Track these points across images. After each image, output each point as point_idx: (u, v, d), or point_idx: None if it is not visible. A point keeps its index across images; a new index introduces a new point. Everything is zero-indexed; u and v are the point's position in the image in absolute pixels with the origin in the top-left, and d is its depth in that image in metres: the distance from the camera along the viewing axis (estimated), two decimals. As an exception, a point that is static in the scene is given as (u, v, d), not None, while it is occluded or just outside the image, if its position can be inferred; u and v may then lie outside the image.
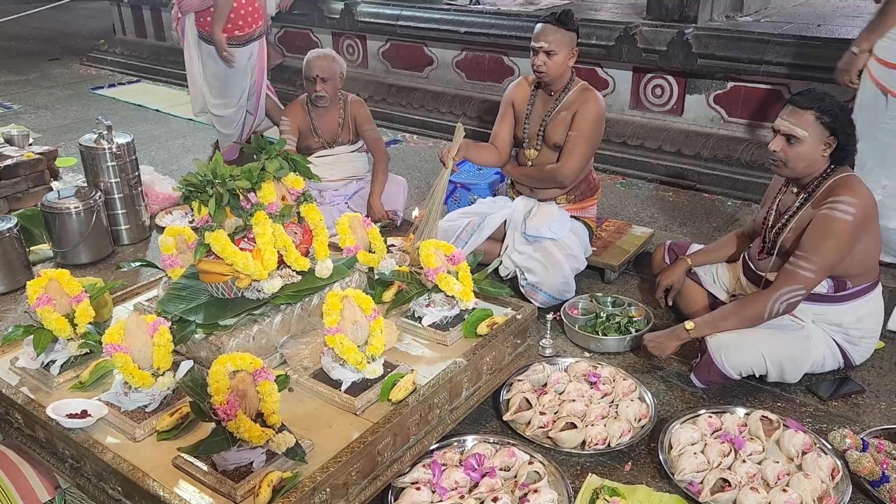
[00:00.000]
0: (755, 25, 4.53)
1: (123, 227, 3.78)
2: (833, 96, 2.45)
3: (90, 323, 2.23)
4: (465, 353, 2.31)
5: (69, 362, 2.22)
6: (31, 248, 3.59)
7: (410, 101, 5.73)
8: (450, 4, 5.68)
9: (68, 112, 6.45)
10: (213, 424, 1.82)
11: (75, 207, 3.45)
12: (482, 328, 2.41)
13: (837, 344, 2.60)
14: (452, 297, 2.45)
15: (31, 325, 2.23)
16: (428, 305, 2.47)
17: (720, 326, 2.55)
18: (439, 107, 5.56)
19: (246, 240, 2.22)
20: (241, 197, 2.20)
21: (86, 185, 3.70)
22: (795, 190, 2.61)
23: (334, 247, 2.62)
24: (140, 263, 2.62)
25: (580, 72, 4.80)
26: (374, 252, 2.66)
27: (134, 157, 3.74)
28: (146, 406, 2.04)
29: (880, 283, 2.66)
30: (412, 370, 2.19)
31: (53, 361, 2.21)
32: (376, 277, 2.64)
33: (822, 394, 2.57)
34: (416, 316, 2.48)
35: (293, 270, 2.31)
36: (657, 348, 2.64)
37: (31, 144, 4.41)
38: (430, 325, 2.43)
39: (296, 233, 2.36)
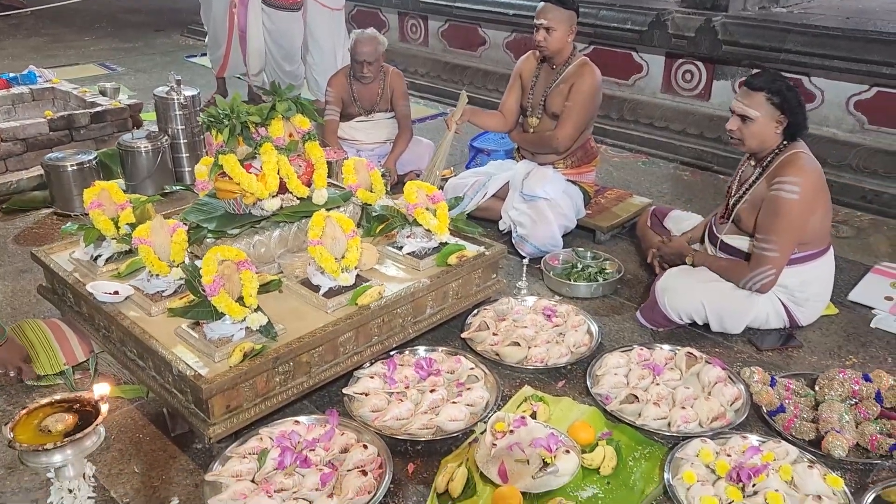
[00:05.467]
0: (782, 15, 4.66)
1: (186, 169, 4.35)
2: (783, 77, 2.69)
3: (129, 225, 2.74)
4: (431, 277, 2.70)
5: (112, 257, 2.76)
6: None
7: (462, 79, 6.12)
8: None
9: (163, 76, 7.13)
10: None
11: (145, 147, 4.04)
12: (452, 259, 2.80)
13: (783, 303, 2.83)
14: (430, 231, 2.85)
15: (84, 224, 2.78)
16: (409, 237, 2.88)
17: (711, 265, 2.85)
18: (487, 84, 5.93)
19: (254, 167, 2.69)
20: (253, 130, 2.67)
21: (157, 130, 4.30)
22: (754, 163, 2.85)
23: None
24: (181, 188, 3.15)
25: (616, 55, 5.12)
26: (373, 192, 3.08)
27: (198, 108, 4.31)
28: (164, 291, 2.54)
29: (831, 250, 2.86)
30: (381, 284, 2.61)
31: (100, 255, 2.75)
32: (374, 214, 3.06)
33: (758, 344, 2.81)
34: (398, 245, 2.89)
35: (294, 196, 2.77)
36: (664, 245, 3.07)
37: (120, 98, 5.08)
38: (408, 254, 2.83)
39: (300, 165, 2.82)
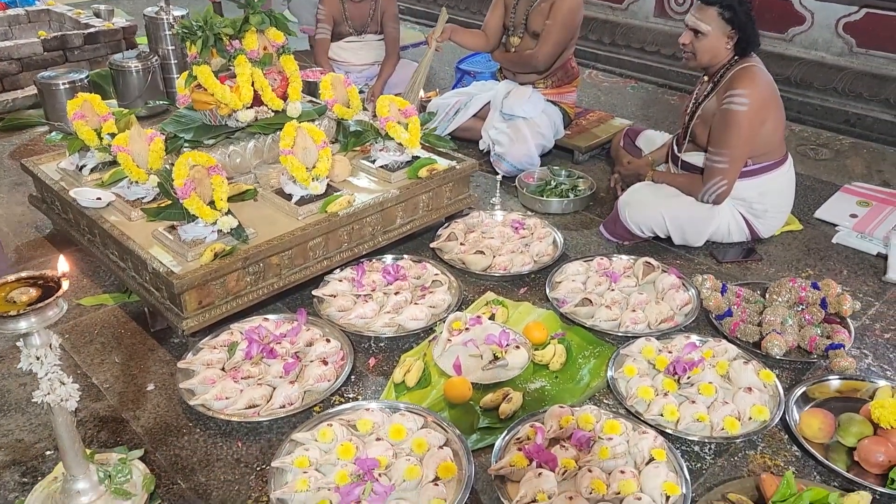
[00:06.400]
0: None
1: (177, 90, 4.42)
2: None
3: (111, 135, 2.84)
4: (401, 188, 2.80)
5: (97, 167, 2.87)
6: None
7: (458, 4, 6.07)
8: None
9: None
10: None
11: (135, 67, 4.11)
12: (423, 172, 2.89)
13: (742, 216, 2.91)
14: (403, 145, 2.93)
15: (68, 134, 2.89)
16: (382, 150, 2.96)
17: (671, 182, 2.93)
18: (483, 9, 5.87)
19: (230, 80, 2.76)
20: (226, 42, 2.74)
21: (147, 50, 4.35)
22: (706, 79, 2.88)
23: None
24: (165, 102, 3.23)
25: (610, -23, 5.03)
26: (350, 108, 3.15)
27: (188, 30, 4.34)
28: (143, 198, 2.66)
29: (789, 161, 2.92)
30: (352, 194, 2.71)
31: (85, 165, 2.86)
32: (350, 130, 3.14)
33: (719, 257, 2.90)
34: (371, 159, 2.98)
35: (269, 108, 2.85)
36: (624, 168, 3.18)
37: (114, 20, 5.12)
38: (380, 167, 2.92)
39: (275, 79, 2.89)
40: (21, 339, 1.56)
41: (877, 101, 4.03)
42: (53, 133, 2.95)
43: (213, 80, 2.65)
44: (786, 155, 2.89)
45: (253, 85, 2.76)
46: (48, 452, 2.00)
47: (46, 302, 1.50)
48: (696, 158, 2.87)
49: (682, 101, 4.60)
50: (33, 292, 1.55)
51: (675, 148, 3.01)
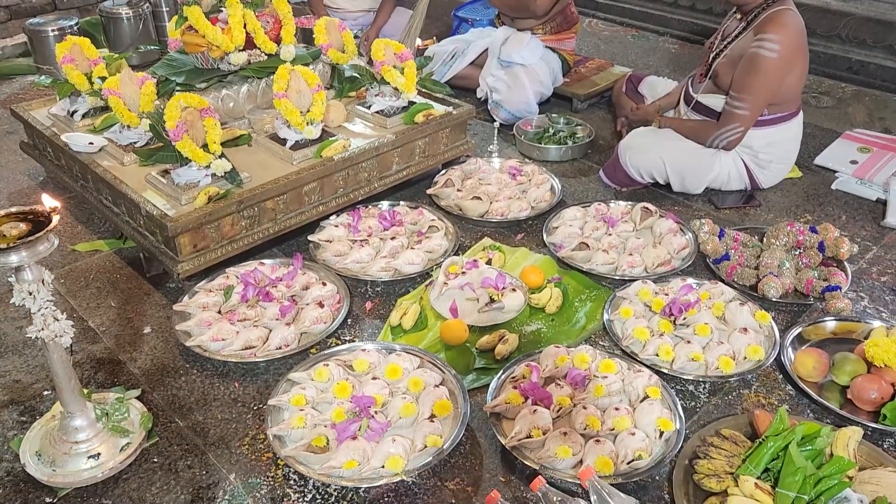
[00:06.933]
0: None
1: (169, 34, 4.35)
2: None
3: (102, 79, 2.80)
4: (396, 133, 2.77)
5: (89, 113, 2.83)
6: (93, 51, 4.23)
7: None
8: None
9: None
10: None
11: (126, 14, 4.03)
12: (419, 118, 2.85)
13: (745, 165, 2.87)
14: (399, 90, 2.88)
15: (57, 78, 2.84)
16: (377, 95, 2.92)
17: (679, 128, 2.88)
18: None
19: (221, 22, 2.71)
20: (217, -18, 2.68)
21: (139, -2, 4.27)
22: (739, 16, 2.81)
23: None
24: (155, 47, 3.17)
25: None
26: (344, 52, 3.09)
27: (179, -24, 4.26)
28: (136, 143, 2.63)
29: (801, 115, 2.87)
30: (347, 139, 2.68)
31: (76, 111, 2.82)
32: (346, 76, 3.09)
33: (718, 203, 2.88)
34: (367, 105, 2.94)
35: (262, 51, 2.80)
36: (632, 113, 3.15)
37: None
38: (376, 112, 2.88)
39: (268, 21, 2.83)
40: (13, 276, 1.55)
41: (881, 47, 3.97)
42: (42, 77, 2.90)
43: (204, 22, 2.59)
44: (799, 107, 2.84)
45: (245, 27, 2.71)
46: (46, 392, 2.00)
47: (37, 235, 1.49)
48: (712, 101, 2.80)
49: (682, 49, 4.53)
50: (23, 227, 1.53)
51: (691, 88, 2.94)
